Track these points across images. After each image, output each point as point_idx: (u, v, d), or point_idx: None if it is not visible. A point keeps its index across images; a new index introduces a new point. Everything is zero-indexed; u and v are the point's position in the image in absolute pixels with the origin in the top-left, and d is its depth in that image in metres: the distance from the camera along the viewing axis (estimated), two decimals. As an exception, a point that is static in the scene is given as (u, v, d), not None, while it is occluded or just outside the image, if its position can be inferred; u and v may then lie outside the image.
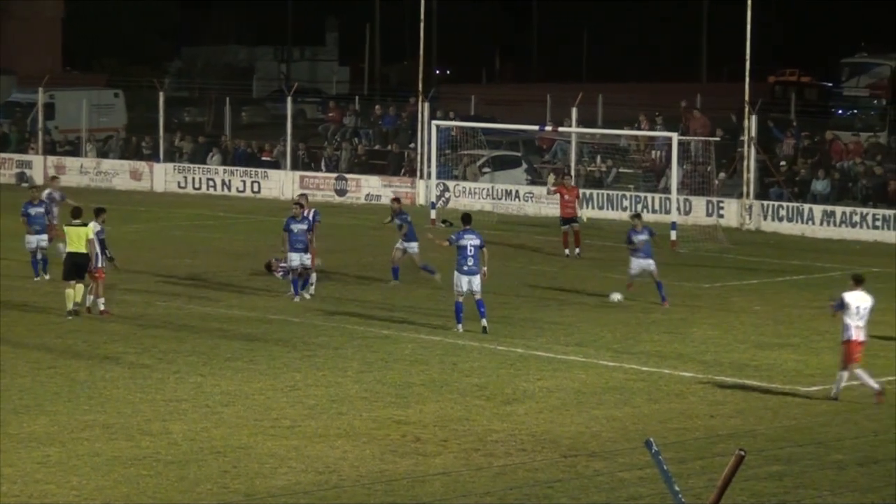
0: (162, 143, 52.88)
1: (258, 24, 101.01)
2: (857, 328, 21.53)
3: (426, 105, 48.30)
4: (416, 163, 48.66)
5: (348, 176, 49.84)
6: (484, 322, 26.27)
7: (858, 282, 21.95)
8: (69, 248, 27.73)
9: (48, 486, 17.03)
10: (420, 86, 49.06)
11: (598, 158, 47.73)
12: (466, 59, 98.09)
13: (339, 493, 17.11)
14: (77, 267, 27.44)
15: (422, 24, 49.35)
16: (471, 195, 46.83)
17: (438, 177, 46.08)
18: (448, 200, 46.21)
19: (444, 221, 43.03)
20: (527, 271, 34.46)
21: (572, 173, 43.57)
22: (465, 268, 26.27)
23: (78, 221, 27.79)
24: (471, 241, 26.44)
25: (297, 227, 29.24)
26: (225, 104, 58.26)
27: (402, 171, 49.89)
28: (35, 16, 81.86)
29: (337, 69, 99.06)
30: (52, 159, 54.46)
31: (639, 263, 29.25)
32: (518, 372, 23.51)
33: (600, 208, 44.16)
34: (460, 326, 26.35)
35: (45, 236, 31.28)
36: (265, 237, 36.95)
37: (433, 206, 44.32)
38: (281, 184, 49.58)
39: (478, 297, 26.31)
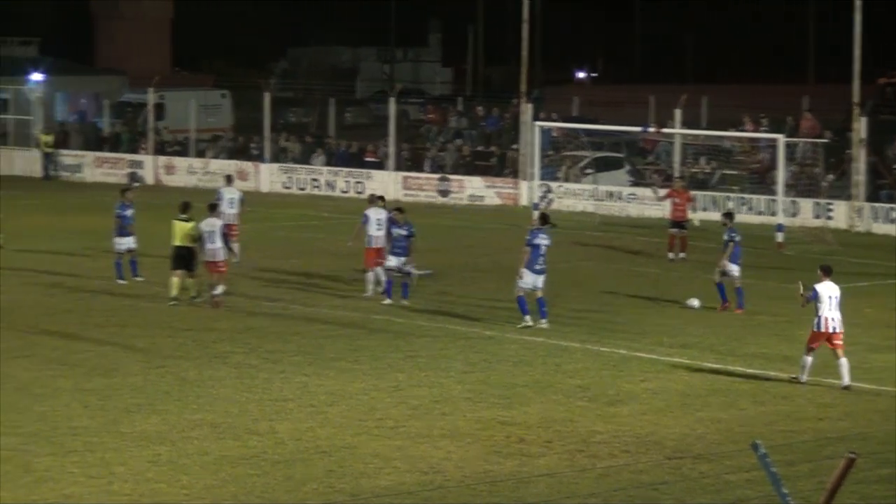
0: (268, 144, 53.39)
1: (362, 25, 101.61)
2: (830, 319, 22.22)
3: (529, 106, 48.30)
4: (518, 164, 48.69)
5: (451, 177, 49.99)
6: (544, 323, 26.57)
7: (827, 272, 22.70)
8: (174, 242, 28.92)
9: (159, 484, 17.22)
10: (523, 87, 49.06)
11: (702, 160, 47.43)
12: (569, 61, 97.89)
13: (444, 493, 17.17)
14: (181, 259, 28.77)
15: (524, 26, 49.34)
16: (573, 196, 46.76)
17: (541, 178, 46.07)
18: (551, 202, 46.15)
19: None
20: (630, 273, 34.33)
21: (676, 175, 43.32)
22: (538, 267, 26.60)
23: (184, 216, 29.08)
24: (543, 241, 26.76)
25: (397, 232, 29.41)
26: (329, 105, 58.68)
27: (505, 172, 49.95)
28: (145, 17, 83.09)
29: (440, 70, 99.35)
30: (161, 159, 55.20)
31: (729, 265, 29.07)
32: (621, 373, 23.44)
33: (704, 210, 43.85)
34: (528, 318, 26.54)
35: (132, 238, 31.60)
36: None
37: (536, 207, 44.28)
38: (384, 184, 49.80)
39: (540, 294, 26.63)
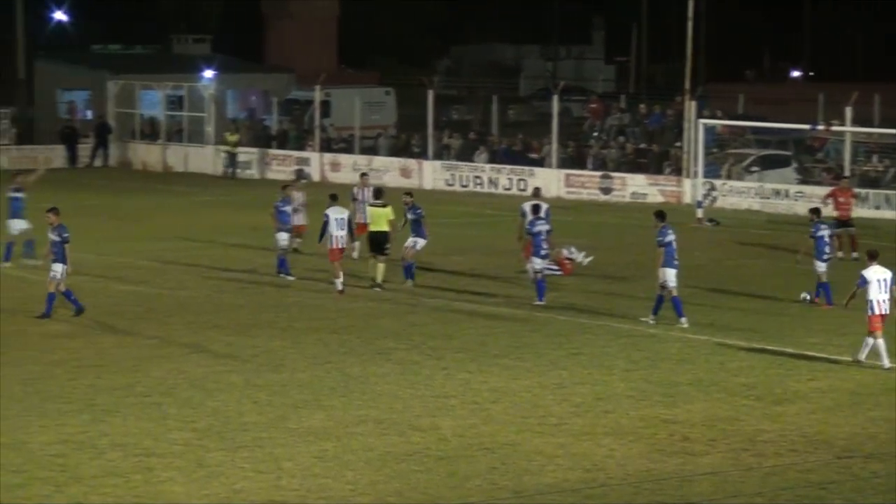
0: (431, 141, 53.74)
1: (525, 23, 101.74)
2: (880, 302, 22.84)
3: (693, 104, 47.92)
4: (682, 161, 48.32)
5: (614, 174, 49.80)
6: (652, 320, 26.70)
7: (873, 257, 23.61)
8: (371, 228, 30.36)
9: (325, 480, 17.44)
10: (687, 84, 48.68)
11: (875, 158, 46.60)
12: (735, 58, 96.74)
13: (606, 491, 17.16)
14: (376, 243, 30.17)
15: (689, 23, 48.92)
16: (738, 194, 46.27)
17: (705, 176, 45.66)
18: (715, 199, 45.73)
19: (710, 220, 42.66)
20: (797, 271, 33.78)
21: (847, 173, 42.58)
22: (675, 261, 26.83)
23: (379, 202, 30.70)
24: (673, 237, 26.97)
25: (540, 228, 29.21)
26: (492, 102, 58.82)
27: (668, 169, 49.61)
28: (313, 16, 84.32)
29: (603, 67, 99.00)
30: (327, 156, 55.89)
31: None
32: (788, 372, 23.16)
33: (876, 208, 43.13)
34: (684, 320, 26.49)
35: (287, 235, 32.06)
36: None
37: (699, 205, 43.91)
38: (547, 182, 49.77)
39: (675, 292, 26.71)
